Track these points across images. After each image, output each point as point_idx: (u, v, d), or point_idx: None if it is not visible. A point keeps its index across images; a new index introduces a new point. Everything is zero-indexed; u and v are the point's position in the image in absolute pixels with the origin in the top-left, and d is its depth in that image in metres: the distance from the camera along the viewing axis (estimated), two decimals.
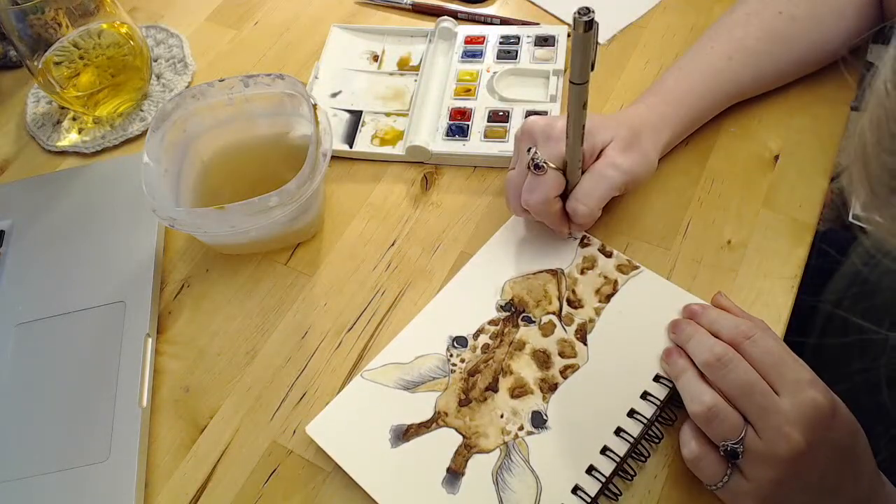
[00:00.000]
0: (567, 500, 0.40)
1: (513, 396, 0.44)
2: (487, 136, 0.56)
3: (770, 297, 0.47)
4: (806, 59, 0.54)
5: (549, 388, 0.44)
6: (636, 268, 0.48)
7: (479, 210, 0.54)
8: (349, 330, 0.50)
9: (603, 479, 0.40)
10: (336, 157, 0.58)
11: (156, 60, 0.67)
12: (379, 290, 0.51)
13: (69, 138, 0.63)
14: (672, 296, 0.47)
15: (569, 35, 0.62)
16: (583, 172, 0.47)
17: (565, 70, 0.60)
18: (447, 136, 0.57)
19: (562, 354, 0.45)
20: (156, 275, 0.53)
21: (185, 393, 0.48)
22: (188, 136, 0.54)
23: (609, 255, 0.49)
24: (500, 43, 0.62)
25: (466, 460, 0.42)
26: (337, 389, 0.47)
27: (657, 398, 0.43)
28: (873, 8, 0.53)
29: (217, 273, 0.54)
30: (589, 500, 0.40)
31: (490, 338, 0.47)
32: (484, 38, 0.63)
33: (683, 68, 0.53)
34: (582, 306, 0.47)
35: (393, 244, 0.53)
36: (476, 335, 0.47)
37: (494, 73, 0.60)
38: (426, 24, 0.66)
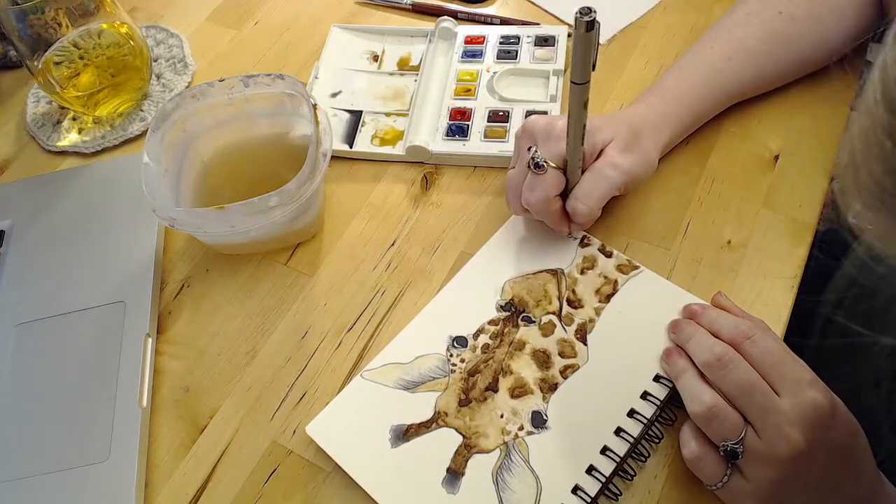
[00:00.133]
0: (567, 500, 0.40)
1: (513, 396, 0.44)
2: (487, 136, 0.56)
3: (770, 297, 0.47)
4: (806, 59, 0.54)
5: (549, 388, 0.44)
6: (636, 268, 0.48)
7: (479, 210, 0.54)
8: (349, 330, 0.50)
9: (603, 479, 0.40)
10: (336, 157, 0.58)
11: (156, 60, 0.67)
12: (379, 290, 0.51)
13: (69, 138, 0.63)
14: (672, 296, 0.47)
15: (569, 35, 0.62)
16: (583, 172, 0.47)
17: (565, 70, 0.60)
18: (447, 136, 0.57)
19: (562, 354, 0.45)
20: (156, 275, 0.53)
21: (185, 393, 0.48)
22: (188, 136, 0.54)
23: (609, 255, 0.49)
24: (500, 43, 0.62)
25: (466, 460, 0.42)
26: (337, 389, 0.47)
27: (657, 398, 0.43)
28: (873, 7, 0.53)
29: (217, 273, 0.54)
30: (589, 500, 0.40)
31: (490, 338, 0.47)
32: (484, 38, 0.63)
33: (683, 68, 0.53)
34: (582, 306, 0.47)
35: (393, 244, 0.53)
36: (476, 335, 0.47)
37: (494, 73, 0.60)
38: (426, 24, 0.66)
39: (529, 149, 0.46)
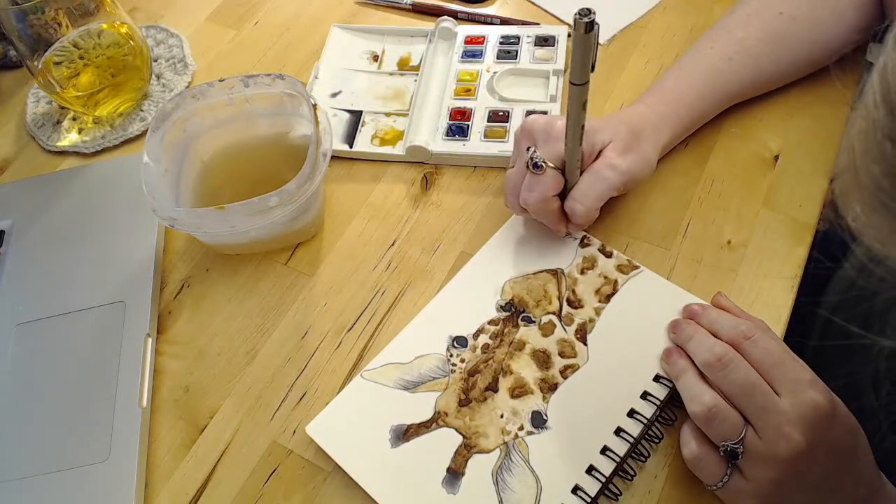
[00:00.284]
0: (567, 500, 0.40)
1: (513, 396, 0.44)
2: (487, 136, 0.56)
3: (770, 297, 0.47)
4: (806, 60, 0.54)
5: (549, 388, 0.44)
6: (636, 268, 0.48)
7: (479, 210, 0.54)
8: (349, 330, 0.50)
9: (603, 479, 0.40)
10: (336, 157, 0.58)
11: (156, 60, 0.67)
12: (379, 290, 0.51)
13: (69, 138, 0.63)
14: (672, 296, 0.47)
15: (569, 35, 0.62)
16: (581, 172, 0.47)
17: (565, 70, 0.60)
18: (447, 136, 0.57)
19: (562, 354, 0.45)
20: (156, 275, 0.53)
21: (185, 393, 0.48)
22: (188, 136, 0.54)
23: (609, 255, 0.49)
24: (500, 43, 0.62)
25: (466, 460, 0.42)
26: (337, 389, 0.47)
27: (657, 398, 0.43)
28: (874, 8, 0.53)
29: (217, 273, 0.54)
30: (589, 500, 0.40)
31: (490, 338, 0.47)
32: (484, 38, 0.63)
33: (683, 68, 0.53)
34: (582, 306, 0.47)
35: (393, 244, 0.53)
36: (476, 335, 0.47)
37: (494, 73, 0.60)
38: (426, 24, 0.66)
39: (528, 149, 0.46)
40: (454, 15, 0.66)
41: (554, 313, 0.47)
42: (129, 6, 0.72)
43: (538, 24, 0.64)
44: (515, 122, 0.57)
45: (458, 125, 0.57)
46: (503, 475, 0.41)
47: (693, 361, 0.42)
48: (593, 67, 0.39)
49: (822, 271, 0.44)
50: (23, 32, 0.56)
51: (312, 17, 0.69)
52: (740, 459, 0.38)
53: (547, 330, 0.47)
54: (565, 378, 0.44)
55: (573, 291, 0.48)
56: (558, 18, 0.65)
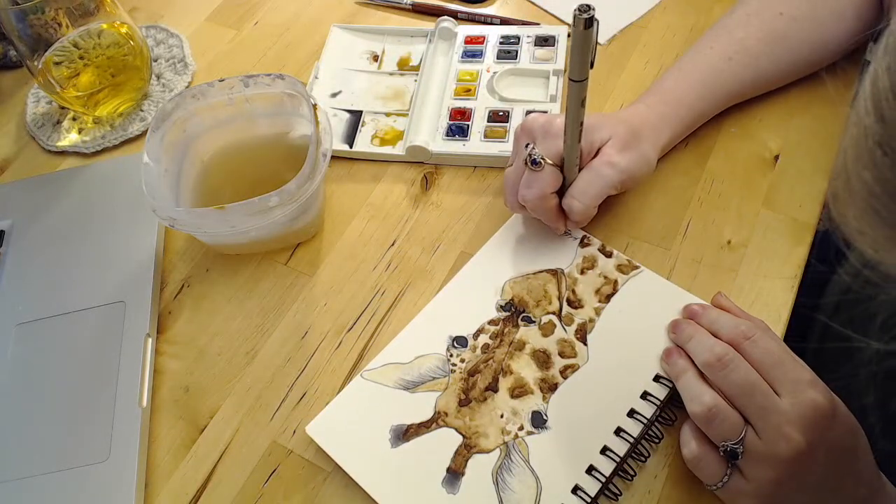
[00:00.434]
0: (567, 500, 0.40)
1: (513, 396, 0.44)
2: (487, 136, 0.56)
3: (770, 297, 0.47)
4: (806, 60, 0.54)
5: (549, 388, 0.44)
6: (636, 268, 0.48)
7: (479, 210, 0.54)
8: (349, 330, 0.50)
9: (603, 479, 0.40)
10: (336, 157, 0.58)
11: (156, 60, 0.67)
12: (379, 290, 0.51)
13: (69, 138, 0.63)
14: (672, 296, 0.47)
15: (569, 35, 0.62)
16: (580, 170, 0.47)
17: (565, 70, 0.60)
18: (447, 136, 0.57)
19: (562, 354, 0.45)
20: (156, 275, 0.53)
21: (185, 393, 0.48)
22: (188, 136, 0.54)
23: (609, 255, 0.49)
24: (500, 43, 0.62)
25: (466, 460, 0.42)
26: (337, 389, 0.47)
27: (657, 398, 0.43)
28: (873, 8, 0.53)
29: (217, 273, 0.54)
30: (589, 500, 0.40)
31: (490, 338, 0.47)
32: (484, 38, 0.63)
33: (683, 68, 0.53)
34: (582, 306, 0.47)
35: (393, 244, 0.53)
36: (476, 335, 0.47)
37: (494, 73, 0.60)
38: (426, 24, 0.66)
39: (527, 146, 0.46)
40: (454, 15, 0.66)
41: (554, 313, 0.47)
42: (129, 6, 0.73)
43: (538, 24, 0.64)
44: (515, 122, 0.57)
45: (458, 125, 0.57)
46: (503, 475, 0.41)
47: (693, 361, 0.42)
48: (592, 64, 0.39)
49: (820, 273, 0.44)
50: (23, 32, 0.56)
51: (312, 17, 0.69)
52: (740, 459, 0.38)
53: (547, 330, 0.47)
54: (565, 378, 0.44)
55: (573, 291, 0.48)
56: (558, 18, 0.65)
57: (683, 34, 0.62)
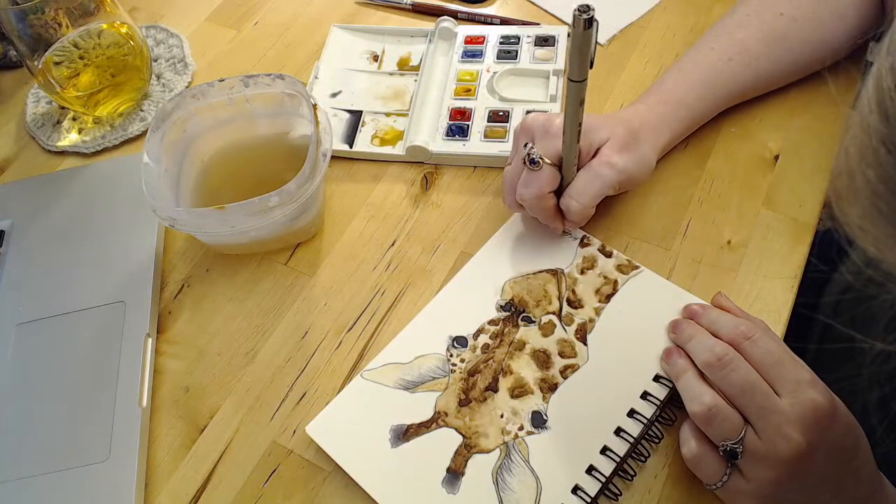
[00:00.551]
0: (567, 501, 0.40)
1: (513, 396, 0.44)
2: (487, 136, 0.56)
3: (770, 297, 0.47)
4: (807, 61, 0.54)
5: (549, 388, 0.44)
6: (636, 268, 0.48)
7: (479, 210, 0.54)
8: (349, 330, 0.50)
9: (603, 479, 0.40)
10: (336, 157, 0.58)
11: (156, 60, 0.67)
12: (379, 290, 0.51)
13: (69, 138, 0.63)
14: (672, 296, 0.47)
15: (569, 35, 0.62)
16: (578, 170, 0.47)
17: (565, 70, 0.60)
18: (447, 136, 0.57)
19: (562, 354, 0.45)
20: (156, 275, 0.53)
21: (185, 393, 0.48)
22: (188, 136, 0.54)
23: (609, 255, 0.49)
24: (500, 43, 0.62)
25: (466, 460, 0.42)
26: (337, 389, 0.47)
27: (657, 398, 0.43)
28: (874, 8, 0.53)
29: (217, 273, 0.54)
30: (589, 500, 0.40)
31: (490, 338, 0.47)
32: (484, 38, 0.63)
33: (683, 69, 0.53)
34: (582, 306, 0.47)
35: (393, 244, 0.53)
36: (476, 335, 0.47)
37: (494, 73, 0.60)
38: (426, 24, 0.66)
39: (525, 145, 0.46)
40: (454, 15, 0.66)
41: (554, 313, 0.47)
42: (129, 6, 0.72)
43: (538, 24, 0.64)
44: (515, 122, 0.57)
45: (458, 125, 0.57)
46: (503, 475, 0.41)
47: (693, 361, 0.42)
48: (592, 64, 0.39)
49: (821, 273, 0.44)
50: (23, 32, 0.56)
51: (312, 17, 0.69)
52: (740, 459, 0.38)
53: (547, 330, 0.47)
54: (565, 378, 0.44)
55: (573, 291, 0.48)
56: (558, 18, 0.65)
57: (683, 34, 0.62)
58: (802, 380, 0.38)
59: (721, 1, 0.64)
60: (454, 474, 0.42)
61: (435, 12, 0.67)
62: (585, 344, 0.46)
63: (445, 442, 0.43)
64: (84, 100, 0.60)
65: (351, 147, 0.58)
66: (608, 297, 0.47)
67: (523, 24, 0.64)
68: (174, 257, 0.55)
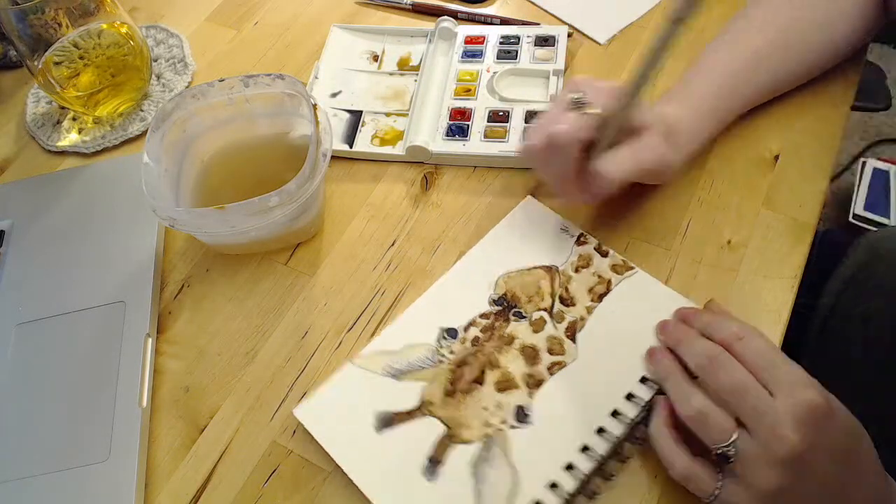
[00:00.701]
0: (543, 496, 0.40)
1: (498, 390, 0.44)
2: (487, 136, 0.56)
3: (770, 297, 0.47)
4: (817, 63, 0.54)
5: (535, 383, 0.44)
6: (631, 268, 0.48)
7: (479, 210, 0.54)
8: (349, 330, 0.50)
9: (581, 477, 0.40)
10: (336, 157, 0.58)
11: (156, 60, 0.67)
12: (379, 290, 0.51)
13: (69, 138, 0.63)
14: (665, 299, 0.47)
15: (569, 35, 0.62)
16: (613, 146, 0.45)
17: (565, 70, 0.60)
18: (447, 136, 0.57)
19: (550, 351, 0.45)
20: (156, 275, 0.53)
21: (185, 393, 0.48)
22: (188, 136, 0.54)
23: (605, 254, 0.49)
24: (500, 43, 0.62)
25: (447, 450, 0.42)
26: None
27: (642, 399, 0.42)
28: (876, 9, 0.53)
29: (217, 273, 0.54)
30: (566, 497, 0.40)
31: (480, 331, 0.47)
32: (484, 38, 0.63)
33: (707, 74, 0.52)
34: (574, 304, 0.47)
35: (393, 244, 0.53)
36: (467, 328, 0.47)
37: (494, 73, 0.60)
38: (426, 24, 0.66)
39: (573, 93, 0.44)
40: (454, 15, 0.66)
41: (545, 310, 0.47)
42: (129, 6, 0.73)
43: (538, 24, 0.64)
44: (515, 122, 0.57)
45: (458, 125, 0.57)
46: (482, 467, 0.42)
47: (680, 363, 0.41)
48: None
49: (820, 274, 0.44)
50: (23, 32, 0.56)
51: (312, 17, 0.69)
52: (735, 463, 0.37)
53: (537, 326, 0.47)
54: (552, 374, 0.45)
55: (566, 289, 0.48)
56: (558, 18, 0.65)
57: (683, 34, 0.62)
58: (797, 380, 0.37)
59: (721, 1, 0.63)
60: (434, 463, 0.42)
61: (435, 12, 0.67)
62: (574, 342, 0.46)
63: (428, 431, 0.43)
64: (84, 100, 0.60)
65: (351, 147, 0.58)
66: (601, 297, 0.47)
67: (523, 24, 0.64)
68: (174, 257, 0.55)
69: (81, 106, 0.61)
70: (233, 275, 0.53)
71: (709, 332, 0.42)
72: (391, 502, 0.41)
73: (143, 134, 0.62)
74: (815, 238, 0.50)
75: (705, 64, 0.53)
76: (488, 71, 0.60)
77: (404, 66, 0.63)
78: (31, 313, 0.52)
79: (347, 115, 0.60)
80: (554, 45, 0.61)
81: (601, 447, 0.41)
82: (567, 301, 0.47)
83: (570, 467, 0.41)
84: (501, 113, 0.57)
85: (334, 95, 0.61)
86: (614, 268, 0.49)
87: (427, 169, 0.57)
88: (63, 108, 0.64)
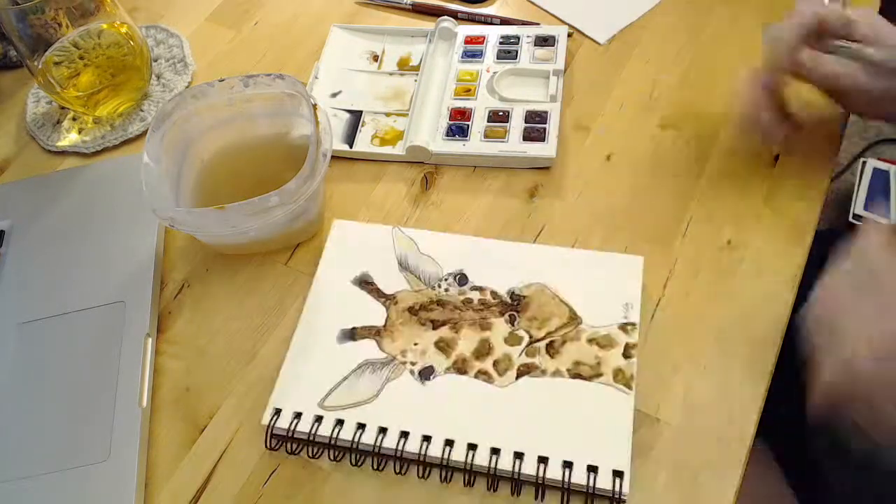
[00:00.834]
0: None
1: (435, 344, 0.46)
2: (487, 136, 0.56)
3: (770, 297, 0.47)
4: None
5: (459, 366, 0.45)
6: (629, 387, 0.43)
7: (479, 210, 0.54)
8: None
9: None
10: (336, 157, 0.58)
11: (156, 60, 0.67)
12: None
13: (69, 138, 0.63)
14: (618, 442, 0.42)
15: (569, 35, 0.62)
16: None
17: (565, 70, 0.60)
18: (447, 136, 0.57)
19: (496, 362, 0.45)
20: (156, 275, 0.53)
21: (185, 393, 0.48)
22: (188, 136, 0.54)
23: (629, 356, 0.44)
24: (500, 43, 0.62)
25: (367, 338, 0.47)
26: None
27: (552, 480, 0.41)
28: None
29: (217, 273, 0.54)
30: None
31: (480, 301, 0.48)
32: (484, 38, 0.63)
33: None
34: (552, 358, 0.45)
35: None
36: (477, 289, 0.48)
37: (494, 73, 0.60)
38: (426, 24, 0.66)
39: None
40: (454, 15, 0.66)
41: (531, 336, 0.46)
42: (129, 6, 0.72)
43: (538, 24, 0.64)
44: (515, 121, 0.57)
45: (458, 125, 0.57)
46: (382, 370, 0.46)
47: None
48: None
49: (820, 274, 0.44)
50: (23, 32, 0.56)
51: (312, 17, 0.69)
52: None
53: (512, 340, 0.46)
54: (474, 377, 0.45)
55: (563, 342, 0.46)
56: (558, 18, 0.65)
57: (683, 34, 0.62)
58: None
59: (721, 1, 0.63)
60: (351, 334, 0.47)
61: (435, 12, 0.67)
62: (517, 379, 0.45)
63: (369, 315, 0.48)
64: (84, 100, 0.60)
65: (351, 147, 0.58)
66: (577, 375, 0.44)
67: (523, 24, 0.64)
68: (174, 257, 0.55)
69: (81, 106, 0.61)
70: (233, 275, 0.53)
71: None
72: (300, 350, 0.47)
73: (143, 134, 0.62)
74: (815, 238, 0.50)
75: None
76: (488, 71, 0.60)
77: (404, 66, 0.63)
78: (31, 313, 0.52)
79: (347, 115, 0.60)
80: (554, 45, 0.61)
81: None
82: (552, 353, 0.45)
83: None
84: (501, 113, 0.57)
85: (334, 95, 0.61)
86: (617, 372, 0.44)
87: (427, 169, 0.57)
88: (63, 108, 0.65)
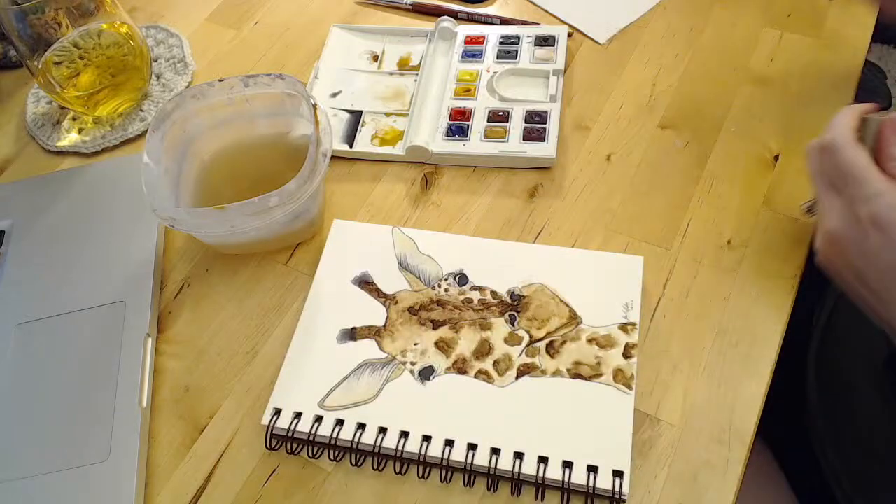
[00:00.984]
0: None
1: (435, 343, 0.46)
2: (487, 136, 0.56)
3: (770, 297, 0.47)
4: None
5: (459, 366, 0.45)
6: (629, 390, 0.43)
7: (479, 210, 0.54)
8: None
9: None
10: (336, 157, 0.58)
11: (156, 60, 0.67)
12: None
13: (69, 138, 0.63)
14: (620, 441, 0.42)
15: (569, 35, 0.62)
16: None
17: (565, 70, 0.60)
18: (447, 136, 0.57)
19: (496, 362, 0.45)
20: (156, 275, 0.53)
21: (185, 393, 0.48)
22: (188, 136, 0.54)
23: (629, 356, 0.44)
24: (500, 43, 0.62)
25: (367, 337, 0.47)
26: None
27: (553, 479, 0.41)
28: None
29: (217, 273, 0.54)
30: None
31: (480, 301, 0.48)
32: (484, 38, 0.63)
33: None
34: (553, 359, 0.45)
35: None
36: (477, 289, 0.48)
37: (494, 73, 0.60)
38: (426, 24, 0.66)
39: None
40: (454, 15, 0.66)
41: (532, 336, 0.46)
42: (129, 6, 0.73)
43: (538, 24, 0.64)
44: (515, 121, 0.57)
45: (458, 125, 0.57)
46: (381, 370, 0.46)
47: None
48: None
49: (820, 274, 0.44)
50: (23, 32, 0.56)
51: (312, 17, 0.69)
52: None
53: (513, 340, 0.46)
54: (474, 377, 0.45)
55: (564, 343, 0.46)
56: (558, 18, 0.65)
57: (683, 34, 0.62)
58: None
59: (721, 1, 0.64)
60: (351, 334, 0.47)
61: (435, 12, 0.67)
62: (517, 379, 0.45)
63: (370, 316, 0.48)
64: (84, 100, 0.60)
65: (351, 147, 0.58)
66: (577, 375, 0.44)
67: (523, 24, 0.64)
68: (174, 257, 0.55)
69: (81, 106, 0.61)
70: (233, 275, 0.53)
71: None
72: (300, 351, 0.47)
73: (143, 134, 0.62)
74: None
75: None
76: (488, 71, 0.60)
77: (404, 66, 0.63)
78: (31, 313, 0.52)
79: (347, 115, 0.60)
80: (554, 45, 0.61)
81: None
82: (552, 353, 0.45)
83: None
84: (501, 113, 0.57)
85: (334, 95, 0.61)
86: (618, 371, 0.44)
87: (427, 169, 0.57)
88: (63, 108, 0.65)
